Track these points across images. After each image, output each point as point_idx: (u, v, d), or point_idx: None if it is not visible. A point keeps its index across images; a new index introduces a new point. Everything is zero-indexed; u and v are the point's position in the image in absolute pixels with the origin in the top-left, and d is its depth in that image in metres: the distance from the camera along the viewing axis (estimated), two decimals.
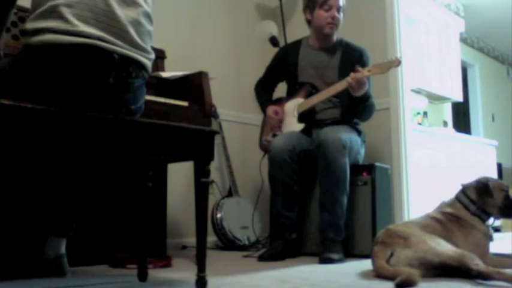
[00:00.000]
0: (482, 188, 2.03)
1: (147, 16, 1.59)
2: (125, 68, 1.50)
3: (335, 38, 2.86)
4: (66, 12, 1.39)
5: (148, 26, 1.59)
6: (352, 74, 2.51)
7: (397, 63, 2.48)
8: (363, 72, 2.49)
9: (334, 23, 2.77)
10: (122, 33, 1.48)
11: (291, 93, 2.94)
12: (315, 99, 2.74)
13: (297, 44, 2.97)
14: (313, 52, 2.89)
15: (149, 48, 1.59)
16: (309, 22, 2.88)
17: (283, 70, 2.99)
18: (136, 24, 1.53)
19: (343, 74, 2.63)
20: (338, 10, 2.77)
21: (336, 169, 2.50)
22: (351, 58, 2.76)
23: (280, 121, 2.88)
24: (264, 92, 3.06)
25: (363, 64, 2.64)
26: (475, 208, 2.01)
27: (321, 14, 2.77)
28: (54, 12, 1.39)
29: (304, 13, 2.89)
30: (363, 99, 2.62)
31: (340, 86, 2.61)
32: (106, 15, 1.45)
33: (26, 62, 1.44)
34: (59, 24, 1.39)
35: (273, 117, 2.87)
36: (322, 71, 2.83)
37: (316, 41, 2.88)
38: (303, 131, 2.78)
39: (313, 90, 2.80)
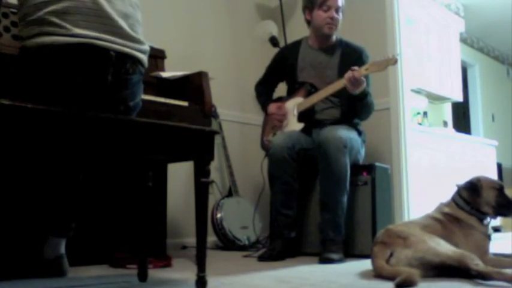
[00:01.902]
0: (469, 187, 2.03)
1: (135, 4, 1.60)
2: (122, 64, 1.51)
3: (334, 37, 2.86)
4: (55, 20, 1.40)
5: (137, 15, 1.59)
6: (349, 72, 2.51)
7: (394, 60, 2.48)
8: (360, 71, 2.50)
9: (333, 23, 2.77)
10: (116, 30, 1.49)
11: (290, 93, 2.94)
12: (314, 98, 2.74)
13: (297, 44, 2.98)
14: (312, 52, 2.89)
15: (142, 38, 1.60)
16: (308, 22, 2.88)
17: (283, 70, 2.99)
18: (126, 17, 1.54)
19: (342, 73, 2.62)
20: (337, 10, 2.77)
21: (337, 169, 2.50)
22: (351, 58, 2.76)
23: (284, 115, 2.88)
24: (264, 92, 3.07)
25: (363, 63, 2.63)
26: (470, 208, 2.02)
27: (319, 14, 2.77)
28: (44, 20, 1.40)
29: (303, 13, 2.89)
30: (361, 97, 2.61)
31: (338, 84, 2.61)
32: (96, 14, 1.45)
33: (25, 63, 1.44)
34: (54, 29, 1.39)
35: (276, 113, 2.88)
36: (322, 71, 2.83)
37: (316, 41, 2.88)
38: (302, 130, 2.78)
39: (312, 89, 2.80)
